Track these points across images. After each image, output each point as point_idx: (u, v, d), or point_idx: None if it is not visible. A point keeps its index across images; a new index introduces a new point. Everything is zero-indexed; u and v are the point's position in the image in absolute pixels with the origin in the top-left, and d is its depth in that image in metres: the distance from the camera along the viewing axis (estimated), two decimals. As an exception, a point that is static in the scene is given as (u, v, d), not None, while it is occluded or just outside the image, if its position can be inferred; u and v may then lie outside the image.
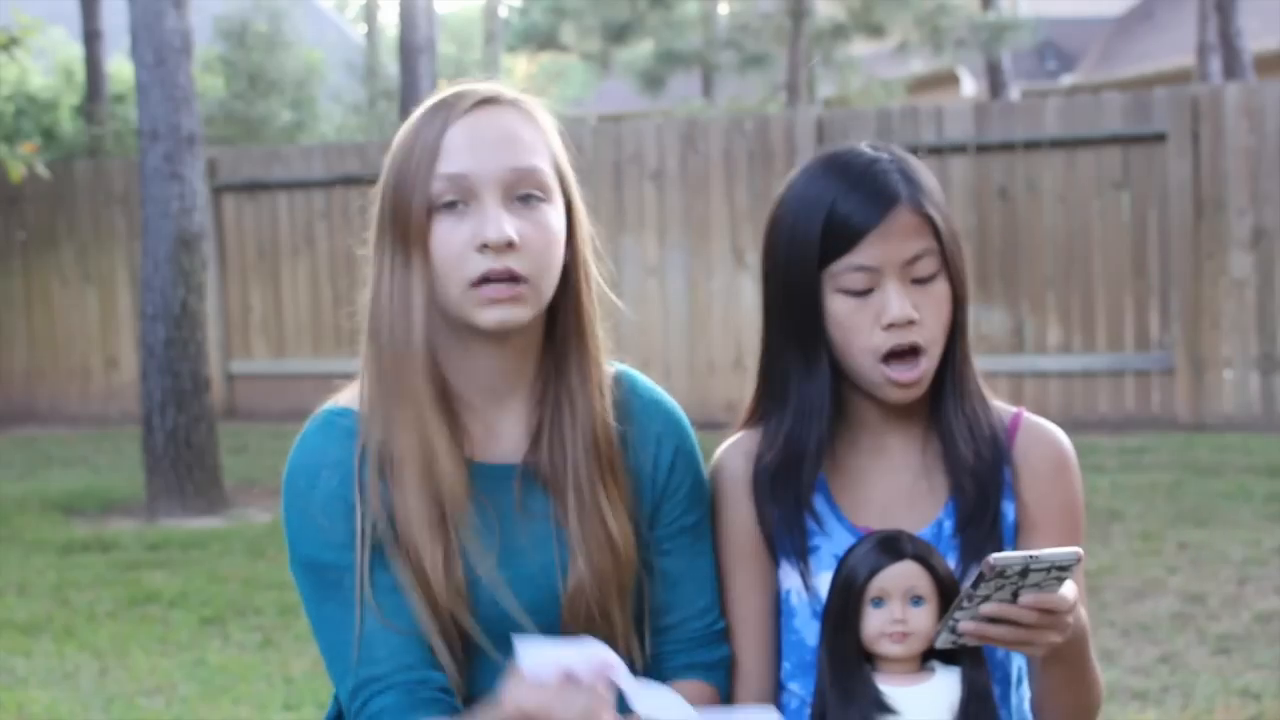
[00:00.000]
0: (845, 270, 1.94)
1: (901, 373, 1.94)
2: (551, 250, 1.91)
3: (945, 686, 1.93)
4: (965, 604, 1.79)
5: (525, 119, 1.94)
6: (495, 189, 1.88)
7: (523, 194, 1.89)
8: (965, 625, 1.81)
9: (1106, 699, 5.08)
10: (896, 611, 1.91)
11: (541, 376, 1.97)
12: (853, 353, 1.96)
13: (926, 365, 1.96)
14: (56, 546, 8.00)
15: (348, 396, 2.00)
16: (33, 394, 14.01)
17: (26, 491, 9.75)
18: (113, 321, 13.72)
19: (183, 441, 8.85)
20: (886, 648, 1.92)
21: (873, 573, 1.92)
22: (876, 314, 1.93)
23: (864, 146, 2.02)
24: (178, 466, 8.85)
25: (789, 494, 2.01)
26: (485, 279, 1.87)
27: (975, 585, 1.76)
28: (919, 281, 1.94)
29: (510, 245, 1.86)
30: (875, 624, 1.92)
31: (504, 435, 1.97)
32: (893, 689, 1.91)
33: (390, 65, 22.82)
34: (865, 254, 1.93)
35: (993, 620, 1.79)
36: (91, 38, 16.08)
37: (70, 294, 13.83)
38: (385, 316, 1.92)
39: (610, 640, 1.87)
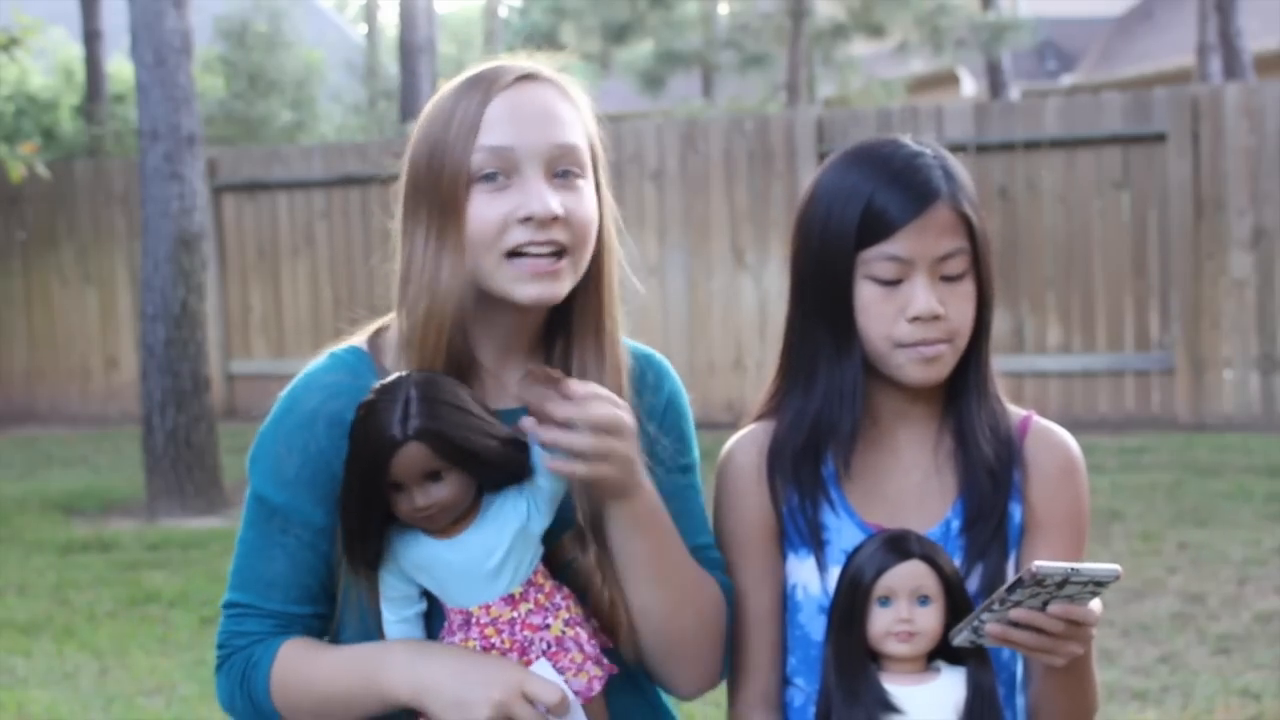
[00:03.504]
0: (878, 258, 1.95)
1: (925, 349, 1.95)
2: (590, 225, 1.93)
3: (951, 686, 1.93)
4: (996, 606, 1.79)
5: (563, 96, 1.95)
6: (538, 164, 1.88)
7: (562, 170, 1.90)
8: (991, 627, 1.81)
9: (1106, 699, 5.10)
10: (903, 611, 1.91)
11: (550, 331, 1.99)
12: (874, 339, 1.97)
13: (949, 351, 1.97)
14: (56, 546, 8.01)
15: (360, 339, 2.03)
16: (33, 394, 14.02)
17: (26, 491, 9.75)
18: (113, 321, 13.72)
19: (183, 441, 8.85)
20: (892, 647, 1.92)
21: (880, 572, 1.92)
22: (902, 306, 1.95)
23: (906, 139, 2.03)
24: (178, 466, 8.85)
25: (811, 476, 2.02)
26: (522, 252, 1.88)
27: (1011, 590, 1.76)
28: (948, 279, 1.96)
29: (555, 219, 1.87)
30: (881, 623, 1.92)
31: (509, 383, 1.97)
32: (898, 688, 1.91)
33: (390, 65, 22.83)
34: (899, 245, 1.94)
35: (1018, 625, 1.80)
36: (91, 38, 16.09)
37: (70, 294, 13.83)
38: (414, 286, 1.91)
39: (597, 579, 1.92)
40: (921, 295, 1.93)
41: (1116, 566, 1.75)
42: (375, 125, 19.41)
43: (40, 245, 13.83)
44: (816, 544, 2.01)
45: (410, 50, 16.44)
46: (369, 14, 31.24)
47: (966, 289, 1.98)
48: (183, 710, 5.30)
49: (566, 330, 1.98)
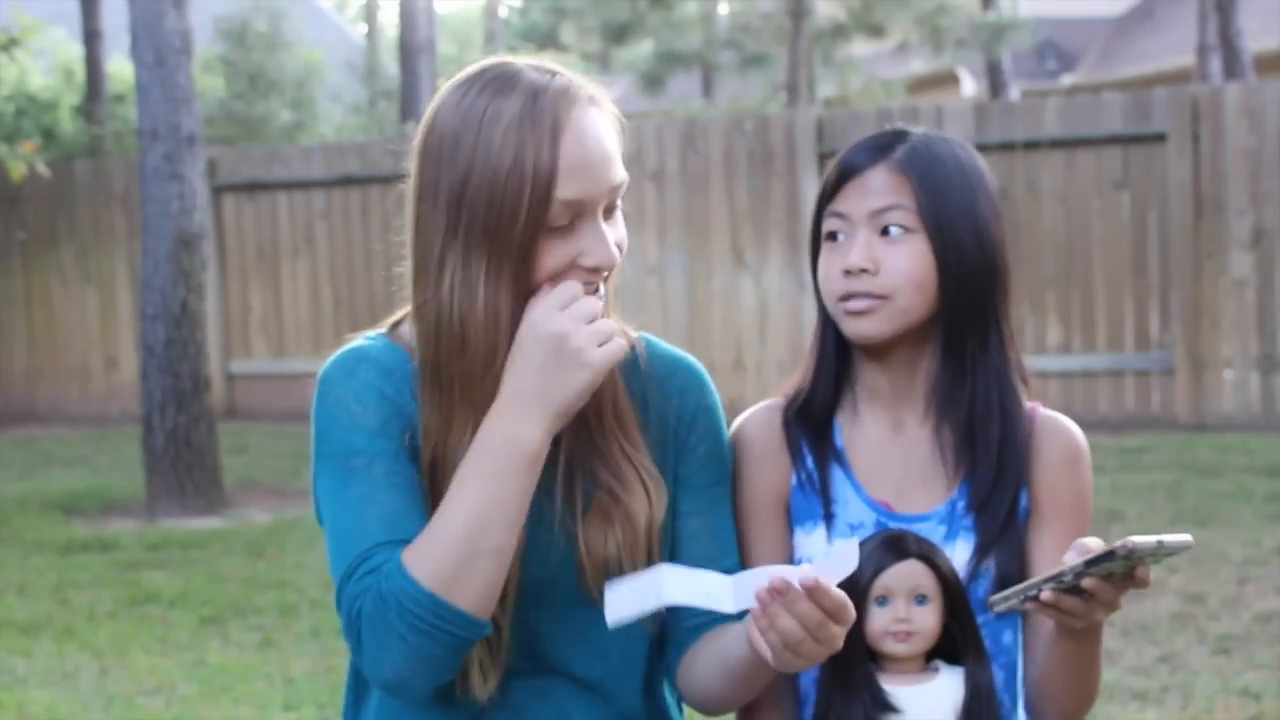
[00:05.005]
0: (828, 216, 2.03)
1: (854, 303, 1.99)
2: (623, 252, 1.92)
3: (948, 686, 1.93)
4: (1068, 577, 1.79)
5: (611, 123, 1.91)
6: (599, 207, 1.86)
7: (610, 206, 1.89)
8: (1045, 595, 1.81)
9: (1106, 699, 5.10)
10: (900, 610, 1.91)
11: None
12: (824, 298, 2.03)
13: (880, 306, 1.98)
14: (56, 546, 8.00)
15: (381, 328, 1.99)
16: (33, 394, 14.02)
17: (26, 491, 9.75)
18: (113, 321, 13.72)
19: (183, 441, 8.85)
20: (890, 647, 1.92)
21: (877, 572, 1.92)
22: (841, 262, 2.01)
23: (903, 125, 2.10)
24: (178, 466, 8.85)
25: (820, 443, 2.05)
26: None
27: (1094, 562, 1.76)
28: (886, 235, 2.00)
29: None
30: (879, 623, 1.92)
31: None
32: (896, 688, 1.92)
33: (390, 65, 22.82)
34: (841, 201, 2.02)
35: (1076, 593, 1.80)
36: (91, 38, 16.08)
37: (70, 294, 13.83)
38: (461, 323, 1.83)
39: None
40: (854, 249, 1.99)
41: (1190, 538, 1.78)
42: (375, 125, 19.41)
43: (40, 245, 13.83)
44: (827, 513, 2.03)
45: (410, 50, 16.44)
46: (369, 14, 31.27)
47: (909, 248, 1.99)
48: (183, 710, 5.30)
49: None
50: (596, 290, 1.87)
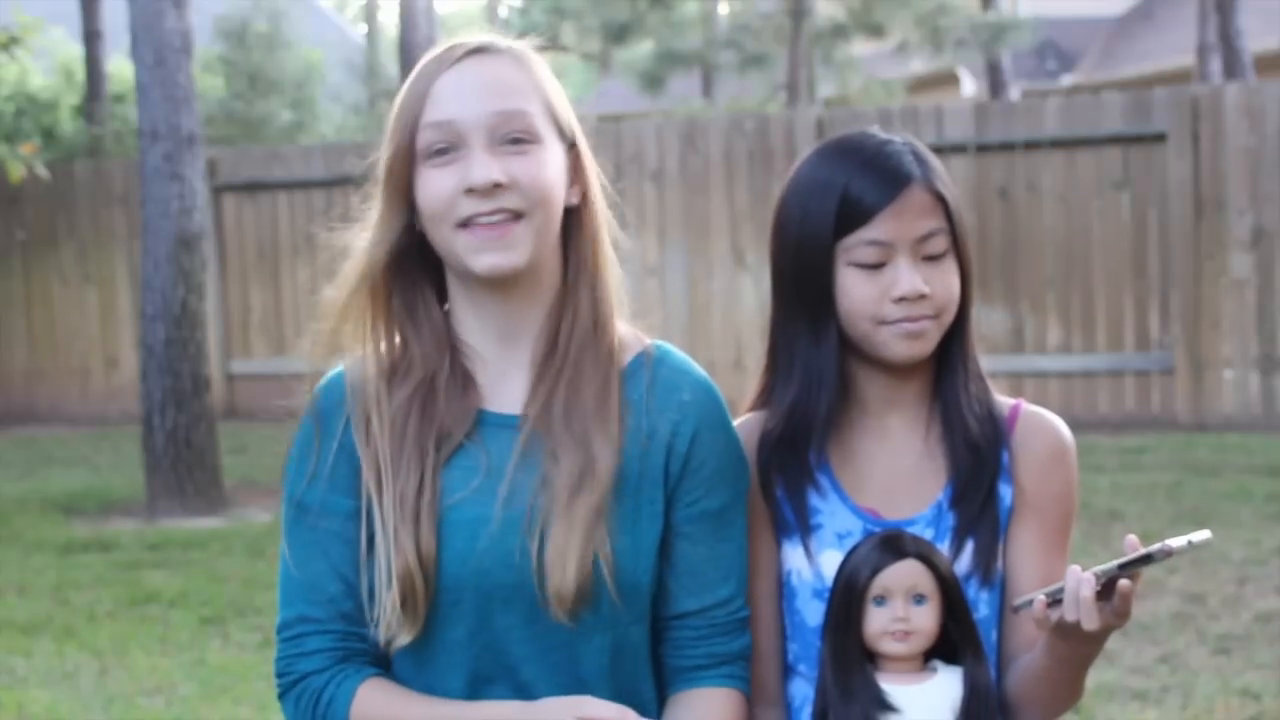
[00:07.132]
0: (858, 244, 1.98)
1: (910, 325, 1.97)
2: (545, 189, 1.90)
3: (947, 685, 1.94)
4: (1100, 578, 1.82)
5: (516, 65, 1.94)
6: (481, 134, 1.88)
7: (511, 138, 1.89)
8: (1085, 591, 1.85)
9: (1106, 699, 5.10)
10: (899, 610, 1.92)
11: (552, 324, 1.95)
12: (857, 321, 1.99)
13: (933, 327, 2.00)
14: (56, 546, 8.01)
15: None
16: (33, 394, 14.01)
17: (26, 491, 9.75)
18: (113, 321, 13.72)
19: (183, 441, 8.85)
20: (889, 646, 1.92)
21: (875, 571, 1.92)
22: (886, 288, 1.97)
23: (874, 130, 2.06)
24: (178, 466, 8.85)
25: (794, 462, 2.03)
26: (472, 222, 1.88)
27: (1129, 564, 1.80)
28: (929, 259, 1.99)
29: (498, 186, 1.87)
30: (877, 623, 1.92)
31: (514, 384, 1.95)
32: (895, 687, 1.92)
33: (390, 65, 22.83)
34: (879, 229, 1.97)
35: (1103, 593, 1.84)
36: (91, 38, 16.08)
37: (70, 294, 13.83)
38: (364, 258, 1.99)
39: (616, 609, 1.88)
40: (905, 276, 1.96)
41: (1209, 533, 1.82)
42: (375, 125, 19.39)
43: (40, 245, 13.83)
44: (803, 529, 2.02)
45: (410, 50, 16.43)
46: (369, 14, 31.28)
47: (949, 266, 2.01)
48: (183, 710, 5.30)
49: (567, 304, 1.95)
50: (513, 219, 1.87)
